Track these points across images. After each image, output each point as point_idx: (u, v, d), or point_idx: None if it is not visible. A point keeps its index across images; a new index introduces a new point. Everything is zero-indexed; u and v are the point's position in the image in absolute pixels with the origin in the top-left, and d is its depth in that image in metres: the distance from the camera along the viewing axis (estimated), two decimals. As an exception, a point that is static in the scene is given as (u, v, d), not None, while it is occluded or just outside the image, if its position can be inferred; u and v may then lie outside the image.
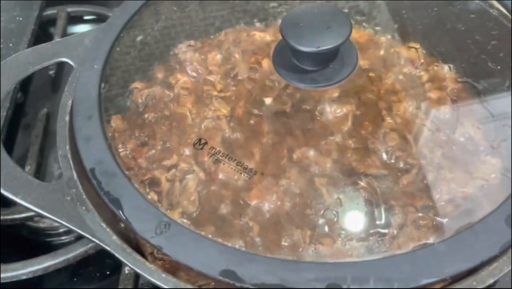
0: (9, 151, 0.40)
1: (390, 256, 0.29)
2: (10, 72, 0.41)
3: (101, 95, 0.38)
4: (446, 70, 0.42)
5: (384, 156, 0.36)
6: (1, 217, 0.44)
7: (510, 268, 0.30)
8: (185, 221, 0.33)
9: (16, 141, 0.54)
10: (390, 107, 0.39)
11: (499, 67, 0.40)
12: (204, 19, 0.47)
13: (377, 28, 0.45)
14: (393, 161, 0.36)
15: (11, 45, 0.56)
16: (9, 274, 0.38)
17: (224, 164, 0.35)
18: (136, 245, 0.34)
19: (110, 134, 0.36)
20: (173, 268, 0.32)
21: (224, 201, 0.34)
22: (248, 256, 0.29)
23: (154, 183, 0.36)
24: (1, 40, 0.56)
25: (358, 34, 0.44)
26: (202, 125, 0.38)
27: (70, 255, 0.39)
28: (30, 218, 0.45)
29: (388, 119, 0.38)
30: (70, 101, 0.39)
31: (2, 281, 0.37)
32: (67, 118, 0.38)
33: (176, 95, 0.41)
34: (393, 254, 0.30)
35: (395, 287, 0.27)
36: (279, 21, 0.37)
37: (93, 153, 0.34)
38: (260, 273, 0.28)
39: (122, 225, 0.34)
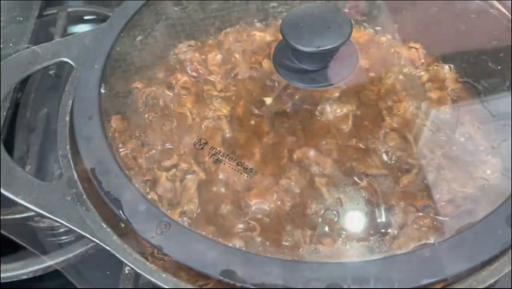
0: (9, 150, 0.40)
1: (390, 256, 0.29)
2: (10, 72, 0.41)
3: (101, 95, 0.38)
4: (446, 70, 0.42)
5: (384, 156, 0.36)
6: (1, 217, 0.44)
7: (510, 268, 0.30)
8: (185, 221, 0.33)
9: (16, 141, 0.54)
10: (390, 107, 0.39)
11: (499, 67, 0.40)
12: (204, 19, 0.47)
13: (377, 28, 0.46)
14: (393, 161, 0.36)
15: (11, 45, 0.56)
16: (9, 274, 0.38)
17: (224, 164, 0.35)
18: (137, 245, 0.34)
19: (110, 134, 0.36)
20: (173, 268, 0.32)
21: (224, 201, 0.34)
22: (248, 256, 0.29)
23: (154, 183, 0.36)
24: (1, 40, 0.56)
25: (358, 34, 0.44)
26: (202, 125, 0.38)
27: (70, 255, 0.39)
28: (30, 218, 0.45)
29: (388, 120, 0.38)
30: (70, 101, 0.39)
31: (2, 281, 0.37)
32: (67, 118, 0.38)
33: (176, 95, 0.41)
34: (393, 254, 0.30)
35: (395, 287, 0.27)
36: (279, 21, 0.37)
37: (94, 153, 0.34)
38: (260, 273, 0.28)
39: (123, 225, 0.34)
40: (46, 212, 0.34)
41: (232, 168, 0.35)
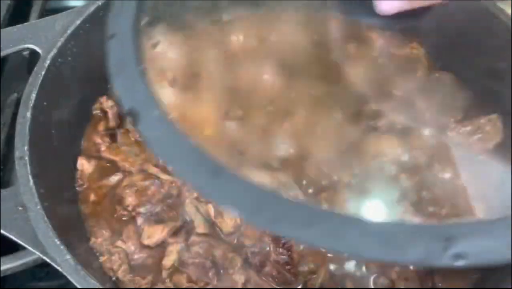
0: (9, 150, 0.40)
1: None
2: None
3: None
4: (444, 70, 0.42)
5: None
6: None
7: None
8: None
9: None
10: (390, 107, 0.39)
11: (498, 67, 0.40)
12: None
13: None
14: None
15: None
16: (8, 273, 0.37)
17: None
18: (93, 265, 0.33)
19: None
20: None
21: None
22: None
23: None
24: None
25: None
26: None
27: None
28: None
29: (388, 119, 0.38)
30: (34, 94, 0.35)
31: (2, 275, 0.37)
32: (28, 114, 0.35)
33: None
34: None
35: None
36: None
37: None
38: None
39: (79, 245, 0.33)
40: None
41: None
